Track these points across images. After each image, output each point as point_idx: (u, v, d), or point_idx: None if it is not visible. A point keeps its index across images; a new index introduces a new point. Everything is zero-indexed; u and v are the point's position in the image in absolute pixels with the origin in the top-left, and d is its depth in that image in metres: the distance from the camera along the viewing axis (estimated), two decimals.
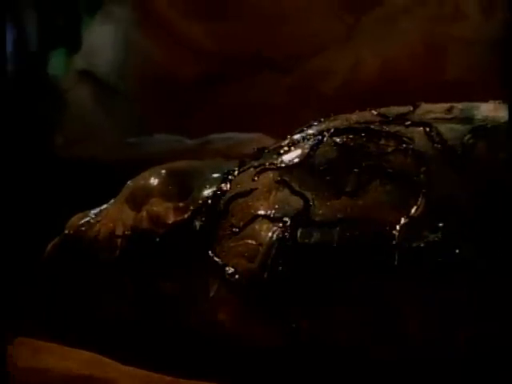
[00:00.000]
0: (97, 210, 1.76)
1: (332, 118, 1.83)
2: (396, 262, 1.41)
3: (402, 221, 1.44)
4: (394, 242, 1.43)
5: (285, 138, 1.84)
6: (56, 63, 4.26)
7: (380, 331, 1.41)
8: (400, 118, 1.68)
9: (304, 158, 1.62)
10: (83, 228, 1.71)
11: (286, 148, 1.71)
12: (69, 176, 2.77)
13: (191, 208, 1.64)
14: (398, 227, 1.44)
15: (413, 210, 1.45)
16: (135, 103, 4.45)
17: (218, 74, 4.36)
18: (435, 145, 1.55)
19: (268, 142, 3.18)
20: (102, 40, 4.29)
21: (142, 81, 4.44)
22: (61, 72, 4.29)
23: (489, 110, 1.60)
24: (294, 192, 1.56)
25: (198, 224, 1.61)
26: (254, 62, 4.32)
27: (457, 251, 1.39)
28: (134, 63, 4.48)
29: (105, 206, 1.76)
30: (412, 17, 4.51)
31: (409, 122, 1.63)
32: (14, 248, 1.62)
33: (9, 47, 4.11)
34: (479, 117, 1.60)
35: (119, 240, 1.65)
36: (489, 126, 1.56)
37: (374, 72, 4.40)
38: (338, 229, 1.47)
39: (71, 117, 4.01)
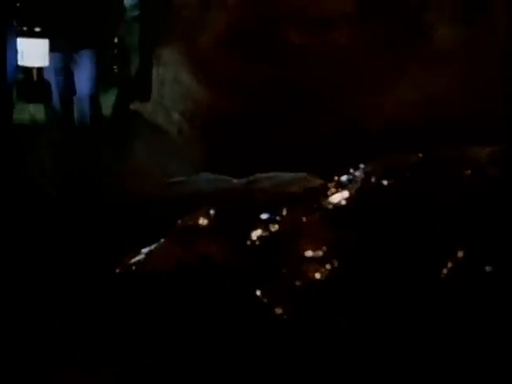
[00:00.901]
0: (147, 249, 1.79)
1: (377, 160, 1.84)
2: (442, 301, 1.42)
3: (449, 264, 1.46)
4: (440, 282, 1.44)
5: (331, 179, 1.86)
6: (108, 103, 4.35)
7: None
8: (447, 161, 1.69)
9: (351, 201, 1.64)
10: (134, 267, 1.74)
11: (333, 190, 1.73)
12: (119, 213, 2.81)
13: (239, 248, 1.66)
14: (444, 270, 1.45)
15: (459, 254, 1.46)
16: (184, 142, 4.51)
17: (264, 114, 4.40)
18: (482, 188, 1.56)
19: (313, 181, 3.22)
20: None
21: (190, 121, 4.50)
22: (111, 112, 4.38)
23: None
24: (341, 233, 1.58)
25: (246, 263, 1.63)
26: (301, 102, 4.37)
27: None
28: (181, 104, 4.55)
29: (155, 244, 1.79)
30: (454, 58, 4.54)
31: (456, 165, 1.64)
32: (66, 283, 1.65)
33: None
34: None
35: (169, 278, 1.68)
36: None
37: (418, 112, 4.42)
38: (382, 267, 1.49)
39: (121, 155, 4.09)
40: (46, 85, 3.94)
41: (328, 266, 1.52)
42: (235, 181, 3.23)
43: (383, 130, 4.36)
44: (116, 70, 4.16)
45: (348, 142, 4.34)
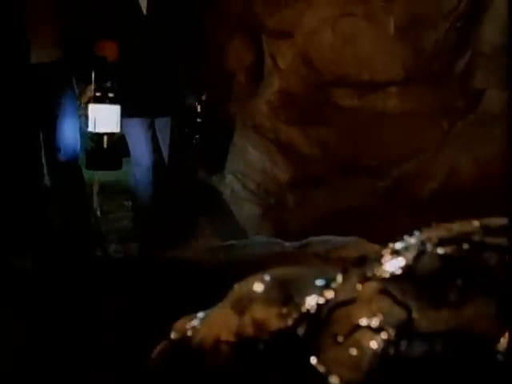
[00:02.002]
0: (202, 315, 1.80)
1: (433, 227, 1.83)
2: (500, 378, 1.40)
3: (507, 335, 1.44)
4: (498, 356, 1.42)
5: (385, 245, 1.86)
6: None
7: None
8: (502, 230, 1.68)
9: (407, 269, 1.63)
10: (189, 333, 1.74)
11: (388, 257, 1.72)
12: (173, 277, 2.83)
13: (294, 315, 1.66)
14: (502, 342, 1.43)
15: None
16: (236, 204, 4.54)
17: (315, 177, 4.43)
18: None
19: (365, 246, 3.22)
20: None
21: (243, 182, 4.53)
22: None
23: None
24: (396, 302, 1.57)
25: (301, 331, 1.63)
26: (351, 166, 4.38)
27: None
28: (234, 165, 4.59)
29: (210, 310, 1.79)
30: (503, 121, 4.51)
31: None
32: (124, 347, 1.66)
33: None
34: None
35: (224, 346, 1.68)
36: None
37: (470, 177, 4.41)
38: (441, 341, 1.47)
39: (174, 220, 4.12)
40: (118, 152, 3.91)
41: (384, 335, 1.51)
42: (288, 244, 3.23)
43: (433, 194, 4.35)
44: (196, 140, 4.12)
45: (398, 205, 4.33)
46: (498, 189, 4.43)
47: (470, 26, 4.50)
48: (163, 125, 4.20)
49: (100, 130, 3.84)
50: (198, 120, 4.16)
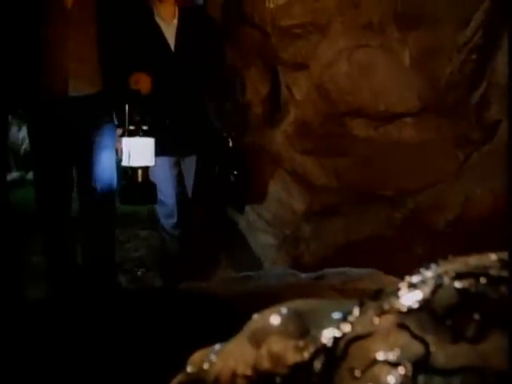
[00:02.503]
0: (218, 347, 1.79)
1: (449, 261, 1.83)
2: None
3: None
4: None
5: (401, 277, 1.85)
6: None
7: None
8: None
9: (424, 303, 1.63)
10: (205, 366, 1.74)
11: (405, 290, 1.72)
12: (189, 309, 2.83)
13: (311, 348, 1.66)
14: None
15: None
16: (252, 235, 4.54)
17: (330, 207, 4.43)
18: None
19: (382, 278, 3.21)
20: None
21: (258, 213, 4.53)
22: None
23: None
24: (414, 336, 1.56)
25: (318, 365, 1.62)
26: (366, 196, 4.39)
27: None
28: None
29: (226, 343, 1.79)
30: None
31: None
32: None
33: None
34: None
35: (241, 380, 1.68)
36: None
37: (486, 207, 4.40)
38: (459, 376, 1.46)
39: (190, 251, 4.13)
40: (152, 186, 3.86)
41: (401, 370, 1.51)
42: (303, 275, 3.23)
43: (449, 224, 4.34)
44: (233, 177, 4.11)
45: (414, 236, 4.32)
46: None
47: (485, 58, 4.52)
48: (189, 162, 4.19)
49: (134, 163, 3.81)
50: (230, 155, 4.17)
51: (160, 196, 4.05)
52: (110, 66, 3.86)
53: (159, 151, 3.97)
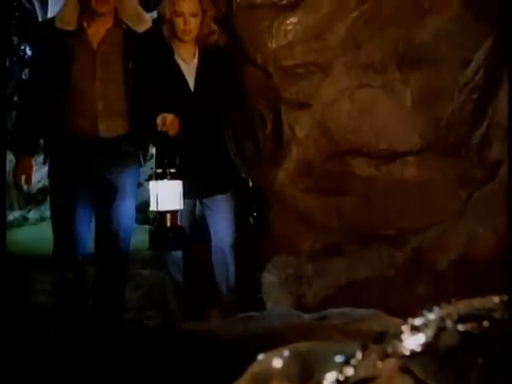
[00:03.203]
0: None
1: (452, 303, 1.83)
2: None
3: None
4: None
5: (404, 318, 1.85)
6: None
7: None
8: None
9: (427, 346, 1.62)
10: None
11: (408, 333, 1.71)
12: (190, 349, 2.82)
13: None
14: None
15: None
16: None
17: (333, 246, 4.43)
18: None
19: (384, 319, 3.20)
20: None
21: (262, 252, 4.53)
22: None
23: None
24: (417, 380, 1.56)
25: None
26: (369, 235, 4.39)
27: None
28: None
29: None
30: None
31: None
32: None
33: None
34: None
35: None
36: None
37: (489, 247, 4.40)
38: None
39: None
40: (182, 231, 3.72)
41: None
42: (306, 316, 3.22)
43: (452, 264, 4.33)
44: (255, 216, 3.97)
45: (416, 276, 4.31)
46: None
47: (486, 97, 4.54)
48: (214, 204, 4.07)
49: (162, 208, 3.66)
50: (250, 196, 4.05)
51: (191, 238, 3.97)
52: (136, 106, 3.82)
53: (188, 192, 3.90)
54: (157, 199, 3.65)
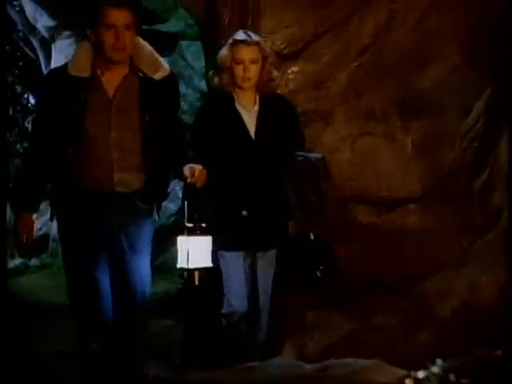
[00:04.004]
0: None
1: (455, 357, 1.83)
2: None
3: None
4: None
5: (407, 369, 1.85)
6: None
7: None
8: None
9: None
10: None
11: None
12: None
13: None
14: None
15: None
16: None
17: (334, 295, 4.41)
18: None
19: (387, 369, 3.17)
20: None
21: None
22: None
23: None
24: None
25: None
26: (370, 283, 4.37)
27: None
28: None
29: None
30: None
31: None
32: None
33: None
34: None
35: None
36: None
37: (491, 295, 4.38)
38: None
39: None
40: (211, 289, 3.56)
41: None
42: (308, 366, 3.19)
43: (454, 312, 4.31)
44: (320, 273, 3.81)
45: (419, 324, 4.29)
46: None
47: (487, 145, 4.57)
48: (266, 259, 3.92)
49: (191, 265, 3.45)
50: (314, 249, 3.88)
51: (229, 298, 3.81)
52: (153, 158, 3.61)
53: (233, 245, 3.80)
54: (186, 255, 3.46)
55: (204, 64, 4.96)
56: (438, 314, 4.31)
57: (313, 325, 4.34)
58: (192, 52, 7.10)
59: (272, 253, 3.91)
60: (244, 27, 4.39)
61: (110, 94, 3.61)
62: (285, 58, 4.56)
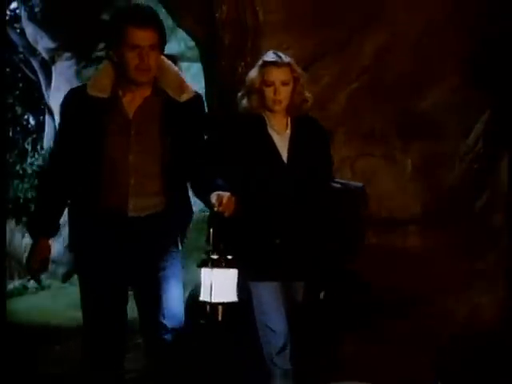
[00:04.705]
0: None
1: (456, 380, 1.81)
2: None
3: None
4: None
5: None
6: None
7: None
8: None
9: None
10: None
11: None
12: None
13: None
14: None
15: None
16: None
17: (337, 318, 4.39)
18: None
19: None
20: None
21: None
22: None
23: None
24: None
25: None
26: (371, 305, 4.35)
27: None
28: None
29: None
30: None
31: None
32: None
33: None
34: None
35: None
36: None
37: (493, 318, 4.36)
38: None
39: None
40: (235, 325, 3.35)
41: None
42: None
43: (455, 335, 4.29)
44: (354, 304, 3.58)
45: (419, 347, 4.28)
46: None
47: (487, 167, 4.57)
48: (299, 289, 3.73)
49: (215, 299, 3.26)
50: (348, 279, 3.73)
51: (267, 322, 3.62)
52: (174, 182, 3.45)
53: (266, 275, 3.61)
54: (209, 289, 3.26)
55: (204, 86, 4.95)
56: (439, 337, 4.29)
57: None
58: (192, 74, 7.10)
59: (306, 283, 3.73)
60: (244, 48, 4.40)
61: (130, 115, 3.43)
62: None
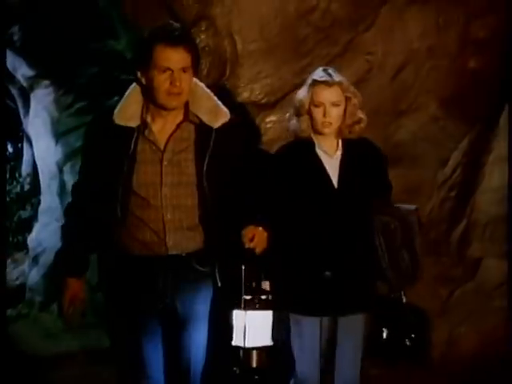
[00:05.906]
0: None
1: None
2: None
3: None
4: None
5: None
6: None
7: None
8: None
9: None
10: None
11: None
12: None
13: None
14: None
15: None
16: None
17: None
18: None
19: None
20: None
21: None
22: None
23: None
24: None
25: None
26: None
27: None
28: None
29: None
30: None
31: None
32: None
33: None
34: None
35: None
36: None
37: (471, 347, 4.35)
38: None
39: None
40: (271, 372, 3.09)
41: None
42: None
43: (433, 364, 4.28)
44: (409, 341, 3.33)
45: (398, 376, 4.25)
46: (499, 359, 4.37)
47: (465, 195, 4.58)
48: (349, 324, 3.42)
49: (249, 343, 3.03)
50: (405, 314, 3.41)
51: (301, 369, 3.38)
52: (212, 215, 3.15)
53: (312, 309, 3.33)
54: (243, 332, 3.03)
55: None
56: (417, 365, 4.27)
57: None
58: None
59: (358, 317, 3.41)
60: (222, 77, 4.39)
61: (162, 145, 3.11)
62: (263, 108, 4.54)
